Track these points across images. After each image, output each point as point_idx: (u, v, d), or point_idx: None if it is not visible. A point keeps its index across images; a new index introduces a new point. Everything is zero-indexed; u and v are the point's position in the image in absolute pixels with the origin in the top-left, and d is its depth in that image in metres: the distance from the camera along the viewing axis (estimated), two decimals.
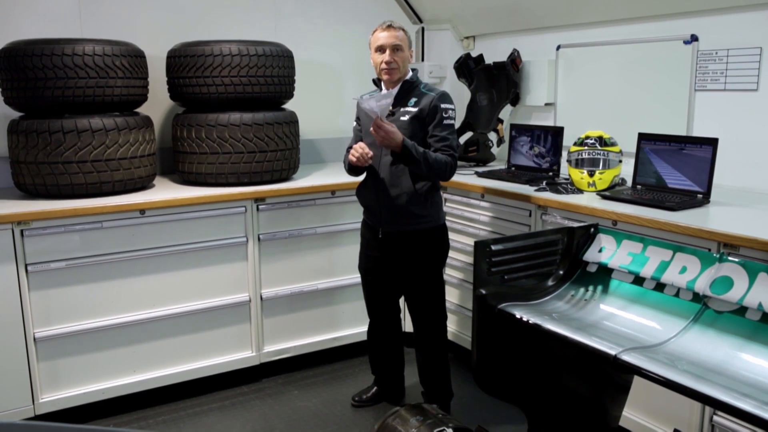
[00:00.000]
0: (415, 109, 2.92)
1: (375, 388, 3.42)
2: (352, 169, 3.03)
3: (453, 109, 2.96)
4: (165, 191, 3.36)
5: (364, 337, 3.79)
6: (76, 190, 3.14)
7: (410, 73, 3.00)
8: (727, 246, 2.40)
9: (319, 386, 3.57)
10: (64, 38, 3.13)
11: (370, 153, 2.87)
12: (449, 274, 3.74)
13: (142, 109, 3.50)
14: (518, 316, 1.88)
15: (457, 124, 3.33)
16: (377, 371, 3.43)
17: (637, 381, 2.34)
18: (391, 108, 2.90)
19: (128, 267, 3.17)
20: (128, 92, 3.27)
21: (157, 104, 3.74)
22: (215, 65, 3.38)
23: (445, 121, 2.91)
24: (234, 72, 3.40)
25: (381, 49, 2.91)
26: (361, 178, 3.12)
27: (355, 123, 3.20)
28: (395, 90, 2.93)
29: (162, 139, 3.83)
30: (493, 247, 1.94)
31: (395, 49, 2.90)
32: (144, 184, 3.40)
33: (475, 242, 1.92)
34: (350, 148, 3.04)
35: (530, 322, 1.83)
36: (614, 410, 2.36)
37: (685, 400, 2.58)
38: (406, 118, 2.93)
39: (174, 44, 3.55)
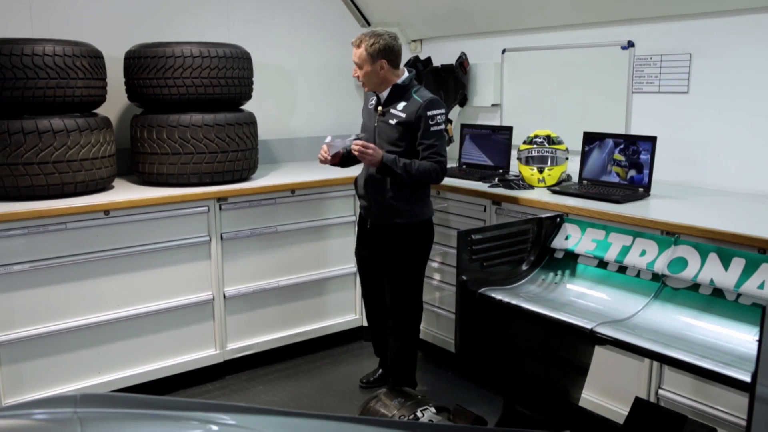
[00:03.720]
0: (402, 115, 3.06)
1: (380, 370, 3.58)
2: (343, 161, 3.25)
3: (441, 114, 3.06)
4: (127, 192, 3.36)
5: (326, 332, 3.95)
6: (37, 192, 3.11)
7: (404, 76, 3.13)
8: (669, 234, 2.64)
9: (284, 381, 3.65)
10: (23, 38, 3.10)
11: (328, 153, 3.08)
12: None
13: (101, 110, 3.48)
14: (498, 299, 2.04)
15: None
16: (380, 354, 3.57)
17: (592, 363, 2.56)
18: (381, 108, 3.13)
19: (92, 268, 3.16)
20: (88, 93, 3.26)
21: (113, 105, 3.73)
22: (176, 66, 3.41)
23: (432, 128, 3.03)
24: (195, 73, 3.44)
25: (355, 65, 3.11)
26: (355, 169, 3.39)
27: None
28: (348, 140, 3.07)
29: (118, 141, 3.80)
30: (474, 236, 2.10)
31: (358, 66, 3.09)
32: (104, 186, 3.39)
33: (458, 232, 2.08)
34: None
35: (511, 303, 2.00)
36: (575, 392, 2.57)
37: (633, 377, 2.82)
38: (393, 121, 3.08)
39: (129, 45, 3.56)
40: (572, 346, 2.40)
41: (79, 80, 3.20)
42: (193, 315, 3.49)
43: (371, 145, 2.98)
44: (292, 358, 3.88)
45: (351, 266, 3.99)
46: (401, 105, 3.08)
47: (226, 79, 3.54)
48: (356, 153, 2.95)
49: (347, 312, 4.05)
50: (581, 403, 2.67)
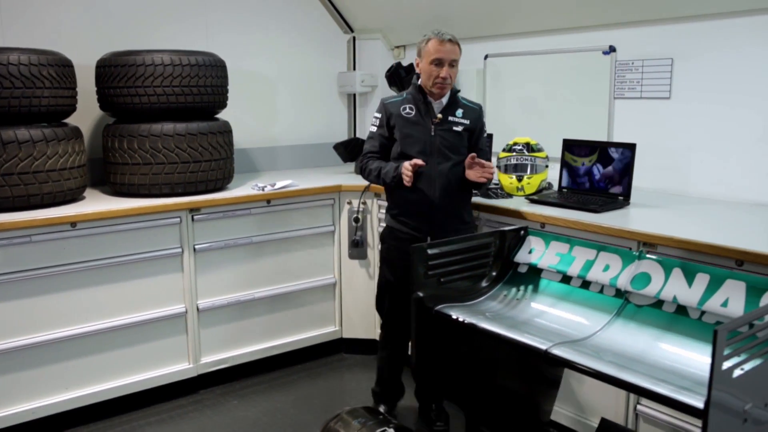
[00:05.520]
0: (466, 121, 2.96)
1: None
2: (394, 181, 2.90)
3: None
4: (96, 203, 3.30)
5: (304, 345, 3.86)
6: (2, 204, 3.03)
7: None
8: (647, 245, 2.55)
9: (259, 395, 3.57)
10: None
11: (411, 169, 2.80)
12: None
13: (71, 120, 3.42)
14: (454, 316, 1.96)
15: None
16: (383, 375, 3.28)
17: (566, 376, 2.47)
18: (439, 116, 2.92)
19: (59, 281, 3.09)
20: (56, 102, 3.20)
21: (86, 114, 3.67)
22: (147, 75, 3.35)
23: (485, 134, 3.09)
24: (167, 82, 3.37)
25: (439, 62, 2.84)
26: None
27: (375, 128, 3.05)
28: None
29: (91, 150, 3.75)
30: (429, 251, 2.02)
31: (452, 64, 2.87)
32: (74, 197, 3.32)
33: (411, 246, 2.00)
34: (369, 153, 3.04)
35: (466, 322, 1.91)
36: (546, 405, 2.48)
37: (612, 392, 2.72)
38: (459, 129, 2.95)
39: (103, 53, 3.50)
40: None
41: (46, 89, 3.14)
42: (165, 328, 3.41)
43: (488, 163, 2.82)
44: (269, 371, 3.79)
45: (330, 277, 3.91)
46: (460, 111, 2.96)
47: (198, 87, 3.47)
48: (490, 176, 2.81)
49: (327, 324, 3.97)
50: (554, 417, 2.58)
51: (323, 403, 3.47)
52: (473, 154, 2.81)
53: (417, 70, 2.98)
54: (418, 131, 2.93)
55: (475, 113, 3.00)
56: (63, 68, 3.25)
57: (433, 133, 2.92)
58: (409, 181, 2.79)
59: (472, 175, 2.83)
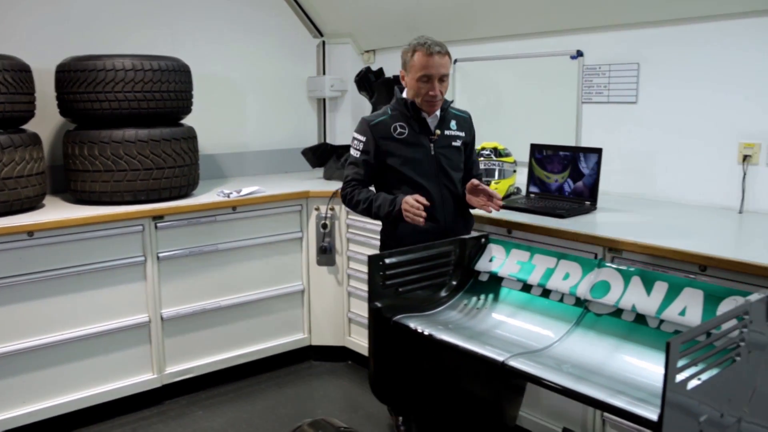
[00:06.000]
0: (462, 134, 2.71)
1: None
2: (391, 217, 2.56)
3: None
4: (56, 211, 3.22)
5: (272, 353, 3.80)
6: None
7: None
8: (612, 250, 2.54)
9: (224, 405, 3.50)
10: None
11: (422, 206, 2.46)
12: (353, 286, 3.76)
13: (29, 126, 3.34)
14: (413, 327, 1.92)
15: None
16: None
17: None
18: (438, 132, 2.65)
19: (16, 292, 3.01)
20: (12, 108, 3.12)
21: (46, 121, 3.58)
22: (108, 80, 3.28)
23: (474, 144, 2.85)
24: (128, 87, 3.30)
25: (427, 78, 2.52)
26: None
27: (359, 153, 2.66)
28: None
29: (52, 157, 3.67)
30: (387, 260, 1.98)
31: (442, 79, 2.54)
32: (32, 205, 3.24)
33: (369, 256, 1.95)
34: (354, 181, 2.67)
35: (424, 333, 1.88)
36: (511, 411, 2.45)
37: None
38: (458, 143, 2.70)
39: (63, 58, 3.42)
40: None
41: (2, 95, 3.05)
42: (128, 338, 3.34)
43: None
44: (236, 380, 3.72)
45: (298, 284, 3.86)
46: (454, 123, 2.69)
47: (161, 92, 3.41)
48: (497, 208, 2.51)
49: (295, 331, 3.91)
50: (520, 423, 2.55)
51: (290, 412, 3.42)
52: (475, 181, 2.55)
53: (402, 83, 2.69)
54: (418, 152, 2.62)
55: (467, 123, 2.77)
56: (20, 73, 3.17)
57: (433, 152, 2.63)
58: (423, 222, 2.42)
59: (474, 202, 2.57)
